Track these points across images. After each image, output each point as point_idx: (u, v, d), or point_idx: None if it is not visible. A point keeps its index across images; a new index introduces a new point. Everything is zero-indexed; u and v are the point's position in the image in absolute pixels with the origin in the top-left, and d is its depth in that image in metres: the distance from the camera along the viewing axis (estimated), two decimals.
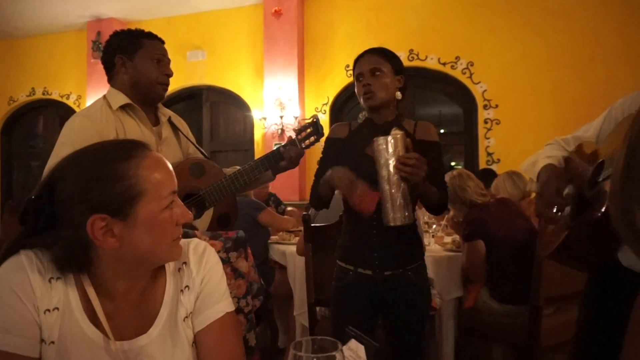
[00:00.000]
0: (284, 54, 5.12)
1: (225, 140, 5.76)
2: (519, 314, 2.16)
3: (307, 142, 1.75)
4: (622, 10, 4.23)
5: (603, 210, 1.01)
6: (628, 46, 4.22)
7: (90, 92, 5.89)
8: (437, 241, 2.78)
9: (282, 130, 5.08)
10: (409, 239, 1.56)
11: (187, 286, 0.91)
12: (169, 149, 1.70)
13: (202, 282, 0.92)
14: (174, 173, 0.85)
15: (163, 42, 1.68)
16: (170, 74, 1.65)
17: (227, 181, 1.69)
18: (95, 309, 0.81)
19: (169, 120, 1.75)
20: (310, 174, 6.05)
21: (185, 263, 0.93)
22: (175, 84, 5.31)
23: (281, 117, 5.06)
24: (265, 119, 5.16)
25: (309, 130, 1.74)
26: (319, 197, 1.60)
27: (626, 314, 1.04)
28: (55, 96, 6.33)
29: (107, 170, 0.77)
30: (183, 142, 1.80)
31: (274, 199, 3.90)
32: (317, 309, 2.28)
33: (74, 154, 0.82)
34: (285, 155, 1.71)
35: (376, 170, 1.35)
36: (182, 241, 0.91)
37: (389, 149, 1.31)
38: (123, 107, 1.59)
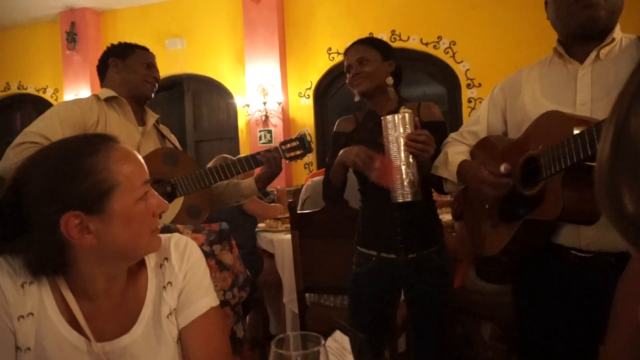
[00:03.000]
0: (265, 39, 5.04)
1: (209, 129, 5.69)
2: (506, 292, 2.18)
3: (291, 153, 1.77)
4: None
5: (557, 215, 1.06)
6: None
7: (68, 85, 5.74)
8: None
9: (266, 117, 5.02)
10: (430, 220, 1.57)
11: (169, 282, 0.89)
12: (149, 145, 1.73)
13: (185, 278, 0.91)
14: (144, 163, 0.83)
15: (154, 55, 1.82)
16: (158, 78, 1.79)
17: (201, 174, 1.70)
18: (74, 311, 0.79)
19: (155, 125, 1.81)
20: (297, 163, 5.93)
21: (166, 259, 0.91)
22: None
23: (264, 103, 5.00)
24: (248, 105, 5.10)
25: (294, 143, 1.76)
26: (333, 188, 1.60)
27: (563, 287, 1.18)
28: (31, 90, 6.17)
29: (75, 166, 0.75)
30: (167, 146, 1.83)
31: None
32: (307, 295, 2.28)
33: (38, 154, 0.79)
34: (263, 159, 1.73)
35: (385, 148, 1.38)
36: (163, 236, 0.89)
37: (399, 126, 1.35)
38: (110, 100, 1.67)
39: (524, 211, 1.16)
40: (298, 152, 1.77)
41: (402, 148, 1.35)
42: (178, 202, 1.69)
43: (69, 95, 5.70)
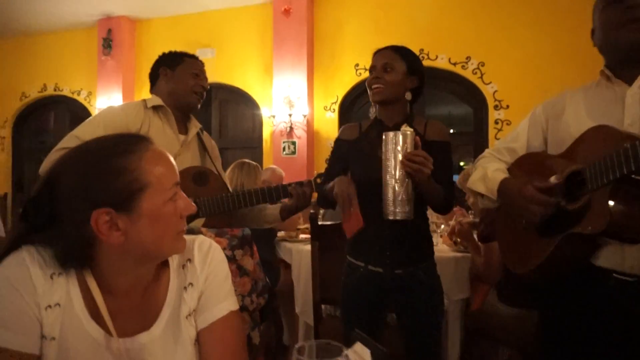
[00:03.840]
0: (293, 52, 5.11)
1: (234, 137, 5.76)
2: (527, 317, 2.12)
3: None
4: None
5: (603, 228, 1.01)
6: None
7: (101, 89, 5.92)
8: (445, 241, 2.75)
9: (291, 128, 5.06)
10: (421, 237, 1.56)
11: (190, 283, 0.90)
12: (187, 156, 1.76)
13: (207, 280, 0.91)
14: (175, 166, 0.84)
15: (203, 63, 1.85)
16: (206, 87, 1.82)
17: (227, 198, 1.69)
18: (99, 305, 0.80)
19: (198, 134, 1.85)
20: (320, 170, 5.91)
21: (189, 260, 0.92)
22: None
23: (290, 115, 5.04)
24: (274, 117, 5.16)
25: None
26: (325, 198, 1.60)
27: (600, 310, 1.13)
28: (66, 92, 6.37)
29: (109, 165, 0.76)
30: (205, 160, 1.86)
31: None
32: (323, 307, 2.27)
33: (74, 150, 0.81)
34: (293, 192, 1.70)
35: (382, 163, 1.37)
36: (188, 238, 0.90)
37: (398, 144, 1.34)
38: (156, 108, 1.72)
39: (565, 226, 1.11)
40: None
41: (398, 166, 1.34)
42: (199, 222, 1.69)
43: (101, 99, 5.88)
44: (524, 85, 4.46)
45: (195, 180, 1.70)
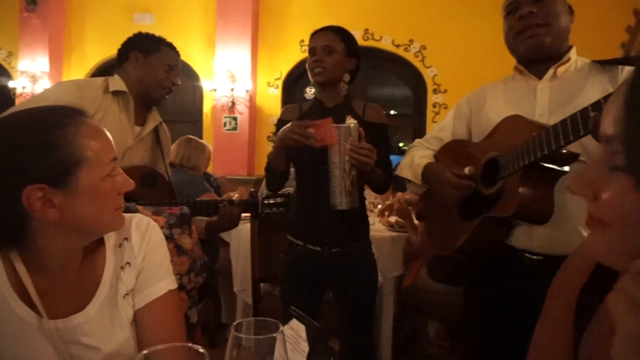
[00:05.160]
0: (238, 24, 4.96)
1: (173, 110, 5.54)
2: (454, 292, 2.28)
3: (273, 210, 1.68)
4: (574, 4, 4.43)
5: (513, 211, 1.11)
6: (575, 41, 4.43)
7: (23, 49, 5.43)
8: (382, 221, 2.86)
9: (233, 104, 4.96)
10: (358, 217, 1.63)
11: (128, 263, 0.89)
12: (139, 150, 1.67)
13: (145, 259, 0.90)
14: (112, 141, 0.81)
15: (179, 55, 1.75)
16: (176, 83, 1.73)
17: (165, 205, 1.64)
18: (26, 285, 0.77)
19: (155, 128, 1.74)
20: (260, 149, 5.80)
21: (126, 239, 0.90)
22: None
23: (232, 89, 4.93)
24: (215, 90, 5.01)
25: (279, 199, 1.68)
26: (274, 174, 1.59)
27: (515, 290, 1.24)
28: None
29: (43, 139, 0.72)
30: (156, 154, 1.77)
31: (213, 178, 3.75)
32: (262, 285, 2.29)
33: (3, 122, 0.76)
34: (222, 212, 1.61)
35: (328, 155, 1.40)
36: (125, 216, 0.88)
37: (343, 137, 1.37)
38: (117, 93, 1.60)
39: (483, 210, 1.21)
40: (278, 210, 1.69)
41: (344, 158, 1.38)
42: None
43: (24, 61, 5.41)
44: (462, 72, 4.64)
45: (142, 181, 1.61)
